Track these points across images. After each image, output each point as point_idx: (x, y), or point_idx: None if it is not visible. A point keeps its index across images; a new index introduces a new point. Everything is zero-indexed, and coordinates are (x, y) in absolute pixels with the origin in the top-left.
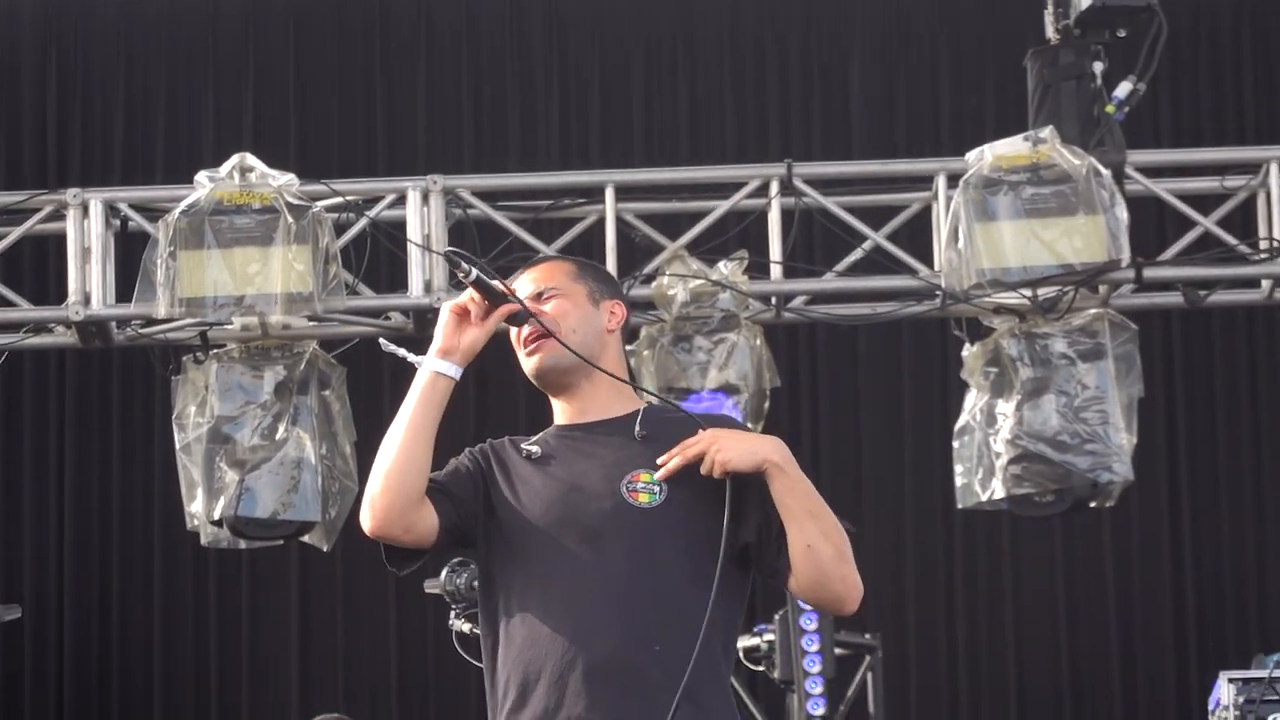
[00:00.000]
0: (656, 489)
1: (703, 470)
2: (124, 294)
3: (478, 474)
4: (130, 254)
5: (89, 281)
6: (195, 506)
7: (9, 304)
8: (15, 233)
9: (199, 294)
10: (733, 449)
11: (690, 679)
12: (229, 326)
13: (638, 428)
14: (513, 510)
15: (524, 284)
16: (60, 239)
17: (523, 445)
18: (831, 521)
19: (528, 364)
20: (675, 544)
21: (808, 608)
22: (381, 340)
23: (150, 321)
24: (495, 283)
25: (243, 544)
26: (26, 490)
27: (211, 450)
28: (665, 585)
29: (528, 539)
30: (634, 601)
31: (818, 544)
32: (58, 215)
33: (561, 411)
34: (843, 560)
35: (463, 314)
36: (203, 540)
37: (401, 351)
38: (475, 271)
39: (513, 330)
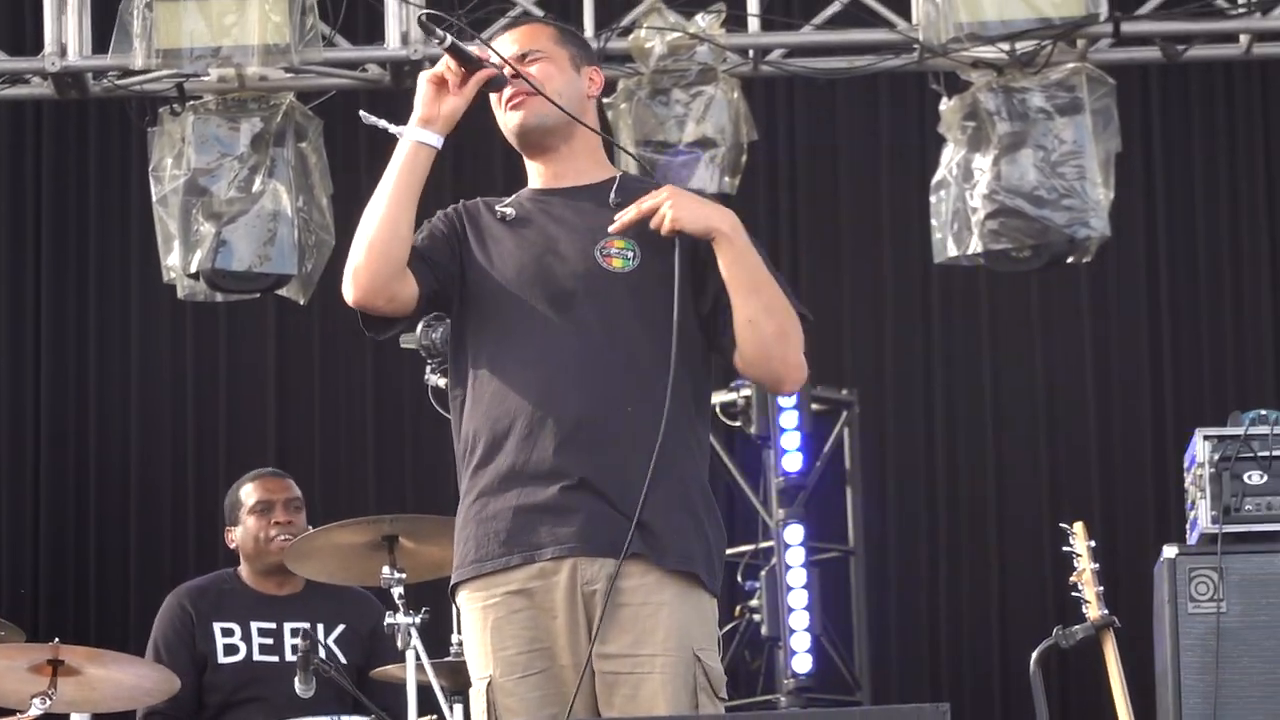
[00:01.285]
0: (630, 254)
1: (652, 224)
2: (100, 45)
3: (452, 236)
4: (107, 4)
5: (65, 32)
6: (172, 259)
7: None
8: None
9: (175, 45)
10: (684, 209)
11: (661, 438)
12: (205, 78)
13: (613, 195)
14: (485, 271)
15: (506, 44)
16: None
17: (497, 207)
18: (778, 299)
19: (509, 119)
20: (646, 308)
21: None
22: (362, 112)
23: (127, 73)
24: (472, 48)
25: (219, 297)
26: (4, 245)
27: (188, 203)
28: (636, 347)
29: (499, 299)
30: (605, 363)
31: (759, 319)
32: None
33: (538, 174)
34: (785, 339)
35: (440, 82)
36: (179, 293)
37: (382, 123)
38: (450, 38)
39: (492, 95)
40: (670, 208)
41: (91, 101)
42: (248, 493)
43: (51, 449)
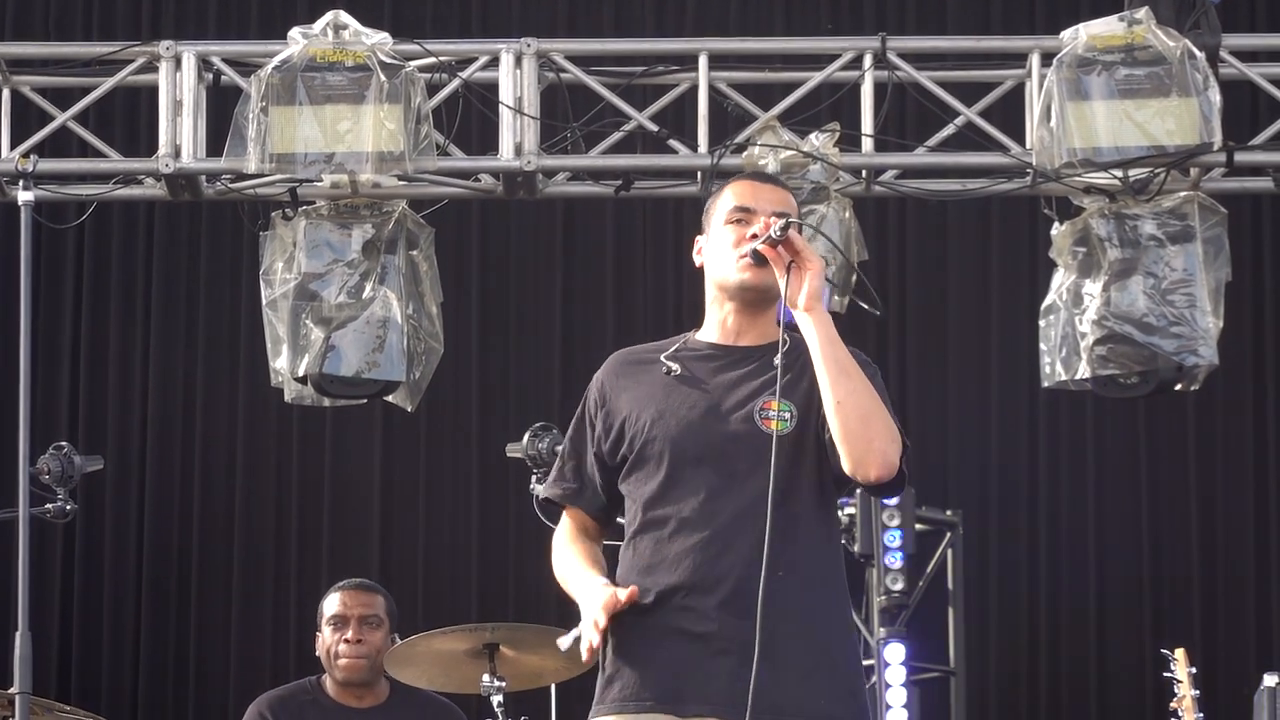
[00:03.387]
0: (788, 415)
1: (779, 250)
2: (214, 148)
3: (595, 430)
4: (222, 108)
5: (180, 134)
6: (280, 363)
7: (99, 155)
8: (107, 83)
9: (289, 150)
10: (814, 271)
11: (806, 599)
12: (318, 184)
13: (779, 357)
14: (644, 426)
15: (767, 195)
16: (152, 91)
17: (662, 358)
18: (866, 386)
19: (750, 273)
20: (804, 471)
21: None
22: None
23: (240, 176)
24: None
25: (326, 402)
26: (112, 343)
27: (298, 307)
28: (793, 510)
29: (660, 457)
30: (762, 527)
31: (846, 400)
32: (150, 67)
33: (719, 326)
34: (869, 422)
35: None
36: (287, 397)
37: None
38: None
39: (734, 233)
40: (807, 263)
41: (204, 204)
42: (330, 603)
43: (154, 554)
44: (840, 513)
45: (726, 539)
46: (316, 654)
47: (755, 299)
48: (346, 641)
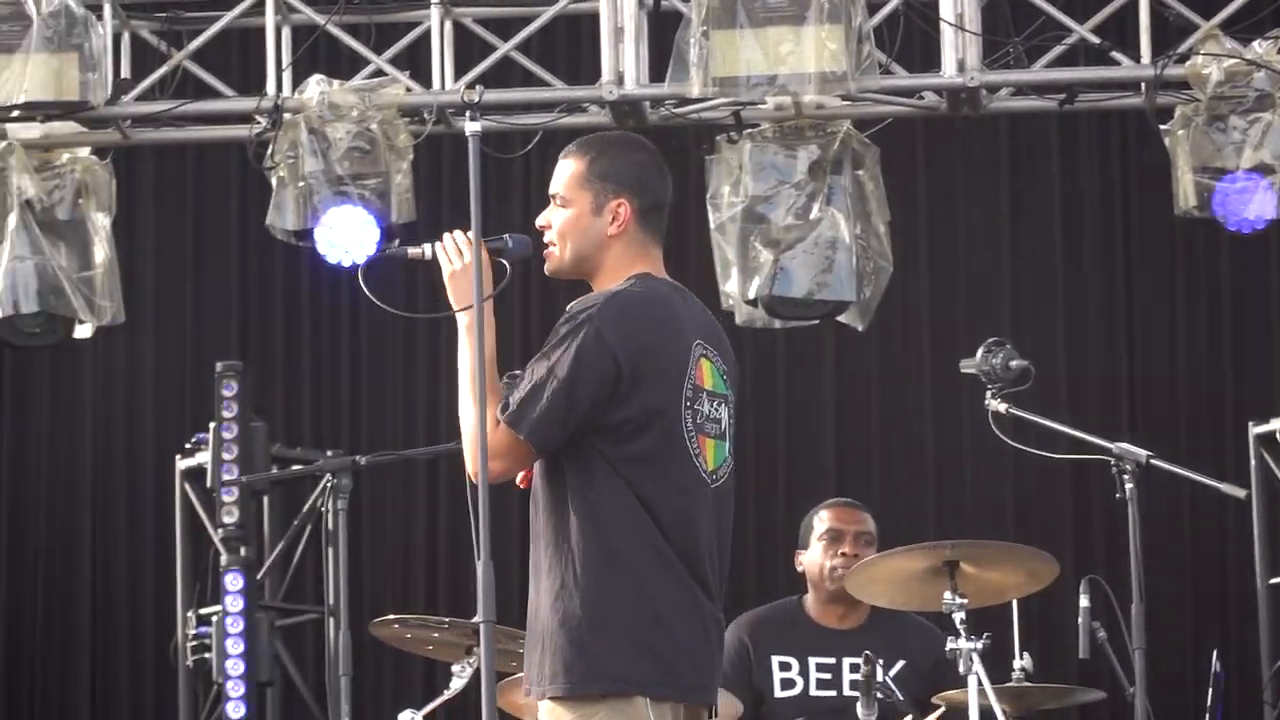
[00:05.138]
0: None
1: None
2: (657, 74)
3: None
4: (663, 33)
5: (622, 61)
6: (730, 286)
7: (544, 84)
8: (549, 12)
9: (732, 73)
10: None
11: None
12: (762, 106)
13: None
14: None
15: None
16: (593, 18)
17: None
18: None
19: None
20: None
21: None
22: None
23: (683, 101)
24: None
25: (777, 323)
26: None
27: (745, 230)
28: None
29: None
30: None
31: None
32: None
33: None
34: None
35: None
36: (738, 320)
37: None
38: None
39: None
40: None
41: (649, 130)
42: (821, 519)
43: None
44: None
45: None
46: (799, 570)
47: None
48: (843, 555)
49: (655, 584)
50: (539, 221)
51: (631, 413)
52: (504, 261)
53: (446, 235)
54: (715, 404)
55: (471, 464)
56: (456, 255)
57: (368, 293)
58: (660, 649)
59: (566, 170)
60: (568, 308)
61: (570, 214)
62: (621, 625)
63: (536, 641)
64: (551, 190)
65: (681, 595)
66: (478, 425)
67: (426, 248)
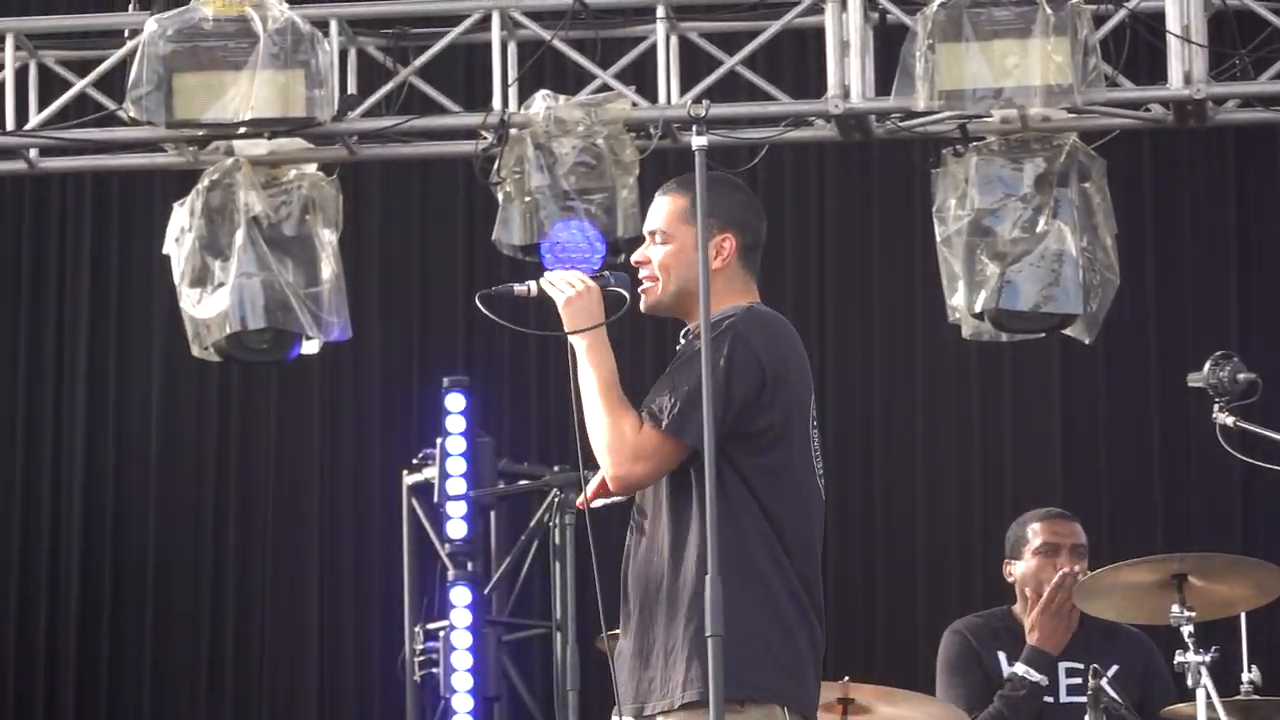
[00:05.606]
0: None
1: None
2: (883, 87)
3: None
4: (889, 46)
5: (848, 74)
6: (956, 299)
7: (769, 98)
8: (774, 26)
9: (958, 86)
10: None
11: None
12: (988, 119)
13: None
14: None
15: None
16: (819, 32)
17: None
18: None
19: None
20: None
21: None
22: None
23: (909, 114)
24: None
25: (1004, 337)
26: (791, 276)
27: (972, 243)
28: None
29: None
30: None
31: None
32: (816, 9)
33: None
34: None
35: None
36: (964, 333)
37: None
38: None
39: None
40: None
41: (874, 143)
42: (1035, 531)
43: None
44: None
45: None
46: (1009, 580)
47: (666, 315)
48: (1057, 568)
49: (782, 597)
50: (635, 257)
51: (774, 418)
52: (622, 291)
53: (549, 274)
54: (815, 435)
55: (613, 469)
56: (567, 286)
57: (488, 313)
58: (789, 663)
59: (666, 207)
60: (683, 331)
61: (672, 249)
62: (756, 635)
63: (648, 656)
64: (649, 227)
65: (799, 612)
66: (612, 431)
67: (531, 284)
